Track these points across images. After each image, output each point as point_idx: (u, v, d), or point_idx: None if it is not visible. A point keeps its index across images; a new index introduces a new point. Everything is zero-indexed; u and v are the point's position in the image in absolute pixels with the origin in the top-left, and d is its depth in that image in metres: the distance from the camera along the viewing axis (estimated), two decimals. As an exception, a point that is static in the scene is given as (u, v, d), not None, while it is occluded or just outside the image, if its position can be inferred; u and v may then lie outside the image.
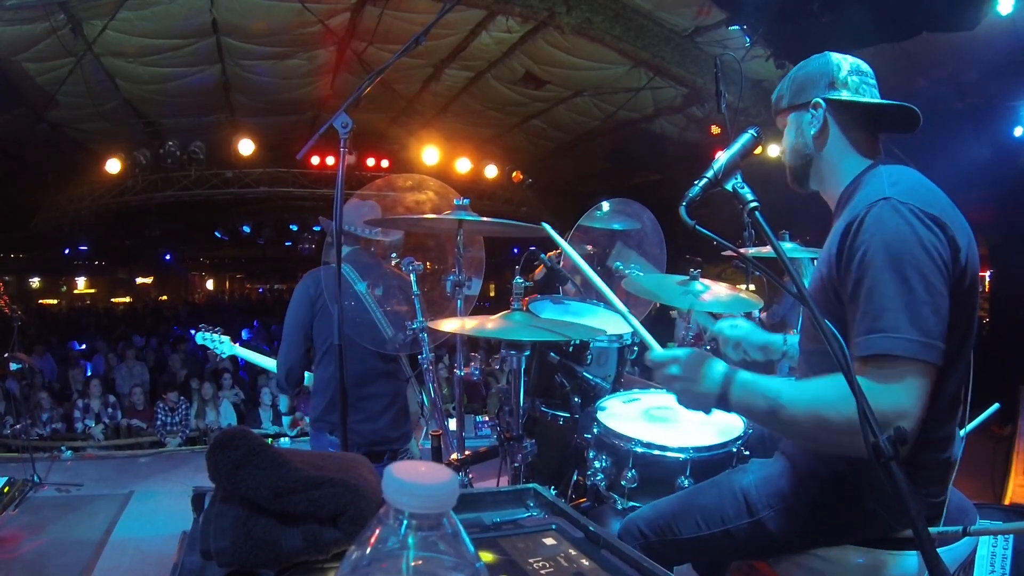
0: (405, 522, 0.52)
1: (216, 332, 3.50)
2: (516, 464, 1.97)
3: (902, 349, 1.14)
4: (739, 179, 1.28)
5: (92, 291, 20.73)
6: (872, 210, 1.24)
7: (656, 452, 1.78)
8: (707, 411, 1.35)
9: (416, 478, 0.52)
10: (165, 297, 21.15)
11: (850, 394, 1.02)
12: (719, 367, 1.33)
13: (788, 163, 1.53)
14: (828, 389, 1.18)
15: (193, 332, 4.04)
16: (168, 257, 19.76)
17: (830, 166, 1.45)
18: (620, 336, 2.37)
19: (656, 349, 1.42)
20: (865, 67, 1.44)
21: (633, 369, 2.65)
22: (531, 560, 0.96)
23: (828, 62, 1.44)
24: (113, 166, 8.78)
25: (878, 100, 1.41)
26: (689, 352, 1.37)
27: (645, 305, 2.82)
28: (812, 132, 1.43)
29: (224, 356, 3.57)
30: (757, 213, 1.22)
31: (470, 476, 2.28)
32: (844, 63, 1.43)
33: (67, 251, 16.21)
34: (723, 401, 1.30)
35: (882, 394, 1.13)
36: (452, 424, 2.85)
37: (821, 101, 1.41)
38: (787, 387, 1.26)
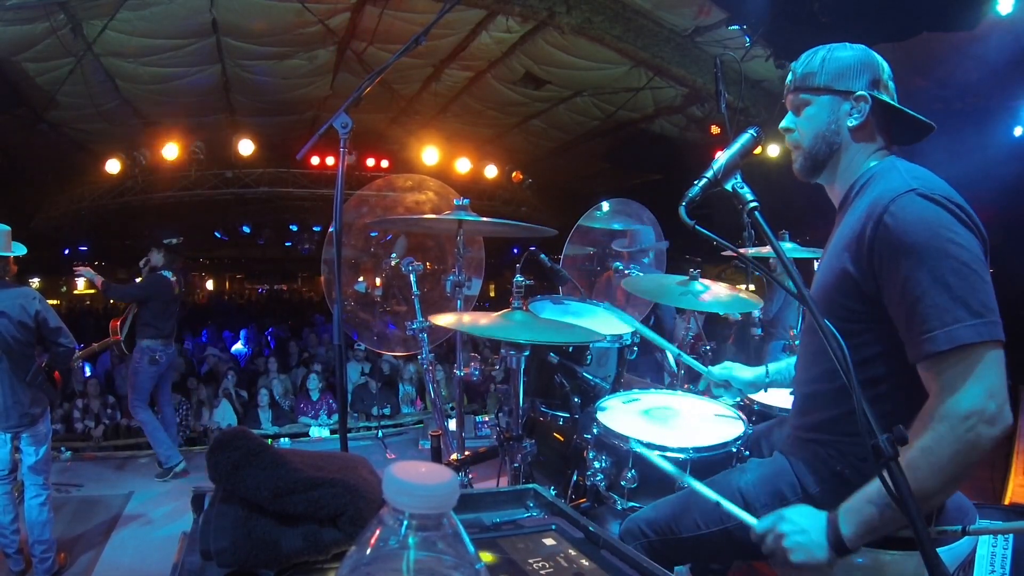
0: (405, 522, 0.52)
1: None
2: (516, 464, 1.97)
3: (979, 334, 1.16)
4: (739, 179, 1.28)
5: (92, 291, 20.69)
6: (900, 201, 1.23)
7: (656, 452, 1.77)
8: (825, 558, 1.21)
9: (416, 478, 0.52)
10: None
11: (942, 443, 1.15)
12: (815, 509, 1.27)
13: (806, 147, 1.45)
14: (919, 454, 1.16)
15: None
16: (168, 257, 19.68)
17: (851, 160, 1.43)
18: (620, 336, 2.37)
19: (756, 521, 1.32)
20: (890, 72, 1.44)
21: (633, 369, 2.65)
22: (531, 560, 0.96)
23: (873, 58, 1.40)
24: (113, 166, 8.77)
25: (917, 115, 1.40)
26: (789, 508, 1.30)
27: (645, 305, 2.82)
28: (851, 124, 1.40)
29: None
30: (757, 213, 1.22)
31: (470, 476, 2.28)
32: (884, 64, 1.42)
33: (67, 251, 16.18)
34: (836, 533, 1.20)
35: (975, 383, 1.16)
36: (452, 424, 2.85)
37: (868, 96, 1.38)
38: (876, 483, 1.17)
